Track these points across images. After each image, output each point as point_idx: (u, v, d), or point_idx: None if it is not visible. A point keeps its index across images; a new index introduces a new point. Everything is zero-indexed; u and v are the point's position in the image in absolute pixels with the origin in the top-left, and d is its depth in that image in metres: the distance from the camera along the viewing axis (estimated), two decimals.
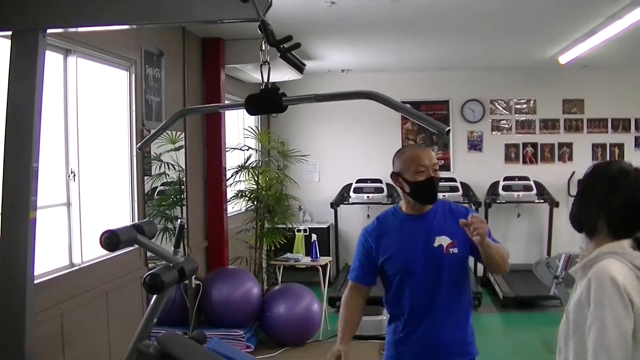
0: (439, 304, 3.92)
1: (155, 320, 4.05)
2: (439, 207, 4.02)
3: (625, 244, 2.77)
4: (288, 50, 2.89)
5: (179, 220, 5.22)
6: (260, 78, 3.06)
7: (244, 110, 3.16)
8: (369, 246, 4.12)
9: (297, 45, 2.98)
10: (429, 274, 3.90)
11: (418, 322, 3.99)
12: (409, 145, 4.12)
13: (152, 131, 3.82)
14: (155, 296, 3.95)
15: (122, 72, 6.33)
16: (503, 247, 3.88)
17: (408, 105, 2.83)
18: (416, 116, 2.92)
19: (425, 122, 2.89)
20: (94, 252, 5.57)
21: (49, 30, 3.25)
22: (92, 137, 5.83)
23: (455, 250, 3.88)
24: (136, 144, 6.32)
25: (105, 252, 4.83)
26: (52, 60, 5.19)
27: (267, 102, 3.03)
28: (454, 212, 3.97)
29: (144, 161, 6.67)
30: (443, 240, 3.90)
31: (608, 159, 12.38)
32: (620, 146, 12.52)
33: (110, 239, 3.66)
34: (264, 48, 3.02)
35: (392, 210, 4.18)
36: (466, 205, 4.04)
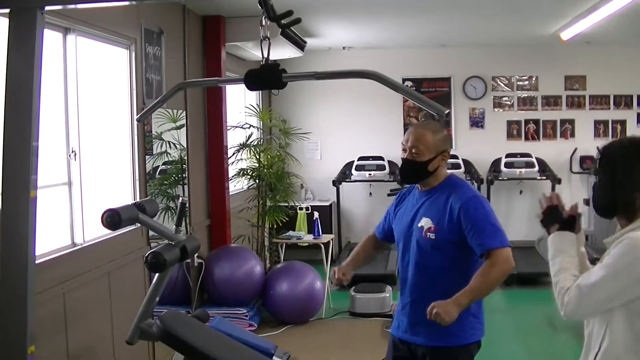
0: (411, 281, 4.02)
1: (157, 299, 4.05)
2: (445, 187, 4.01)
3: None
4: (288, 25, 2.86)
5: (180, 198, 5.21)
6: (261, 55, 3.03)
7: (245, 88, 3.14)
8: (392, 208, 4.33)
9: (298, 21, 2.96)
10: (407, 250, 4.04)
11: (401, 291, 4.15)
12: (421, 121, 4.23)
13: (151, 103, 3.80)
14: (157, 275, 3.95)
15: (122, 51, 6.29)
16: (482, 275, 3.76)
17: (407, 86, 2.81)
18: (415, 97, 2.89)
19: (425, 103, 2.87)
20: (96, 232, 5.56)
21: (47, 8, 3.21)
22: (92, 116, 5.80)
23: (433, 236, 3.88)
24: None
25: (107, 231, 4.85)
26: (51, 39, 5.16)
27: (266, 78, 3.00)
28: (450, 198, 3.92)
29: (145, 140, 6.64)
30: (425, 223, 3.93)
31: (610, 135, 12.39)
32: (623, 122, 12.49)
33: (112, 218, 3.65)
34: (264, 23, 3.00)
35: None
36: (471, 190, 3.96)
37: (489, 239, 3.78)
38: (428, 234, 3.88)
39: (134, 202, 4.12)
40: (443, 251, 3.88)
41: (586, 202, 12.11)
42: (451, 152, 11.52)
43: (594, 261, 8.69)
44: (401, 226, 4.10)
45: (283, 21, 2.90)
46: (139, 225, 4.74)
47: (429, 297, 3.78)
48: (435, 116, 12.25)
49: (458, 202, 3.86)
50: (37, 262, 3.32)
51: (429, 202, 3.98)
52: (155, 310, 4.22)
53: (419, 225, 3.93)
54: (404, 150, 3.98)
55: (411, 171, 4.01)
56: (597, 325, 2.84)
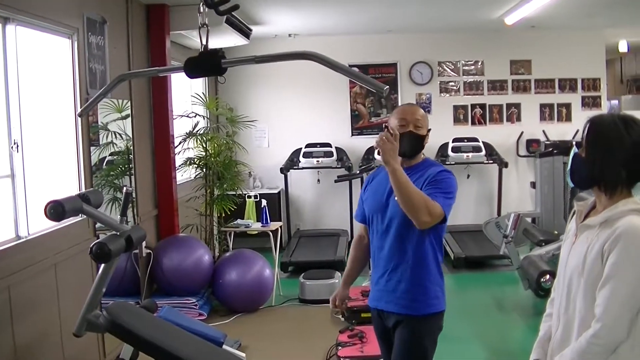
0: (387, 252, 4.15)
1: (104, 289, 4.02)
2: (422, 166, 4.19)
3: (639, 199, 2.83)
4: (227, 12, 2.85)
5: (125, 188, 5.16)
6: (202, 42, 3.02)
7: (191, 76, 3.13)
8: (364, 188, 4.49)
9: (236, 7, 2.95)
10: (383, 222, 4.16)
11: (375, 264, 4.29)
12: (403, 104, 4.37)
13: (92, 96, 3.76)
14: (103, 265, 3.92)
15: (64, 41, 6.22)
16: (427, 198, 3.86)
17: (346, 65, 2.81)
18: (355, 76, 2.91)
19: (364, 81, 2.88)
20: (42, 224, 5.50)
21: None
22: (35, 107, 5.73)
23: None
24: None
25: (53, 223, 4.81)
26: None
27: (206, 65, 3.00)
28: (426, 173, 4.09)
29: (89, 130, 6.57)
30: None
31: (556, 119, 12.55)
32: (568, 106, 12.68)
33: (55, 209, 3.62)
34: (202, 10, 2.99)
35: None
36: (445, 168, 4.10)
37: (442, 199, 3.94)
38: None
39: (78, 193, 4.08)
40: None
41: (532, 185, 12.27)
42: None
43: (540, 243, 8.73)
44: (374, 201, 4.24)
45: (221, 7, 2.89)
46: (85, 216, 4.71)
47: (403, 266, 4.07)
48: (382, 98, 12.36)
49: (431, 174, 4.06)
50: None
51: (410, 176, 4.02)
52: (104, 301, 4.20)
53: (396, 198, 3.98)
54: (403, 125, 4.12)
55: (416, 143, 4.15)
56: (586, 308, 2.83)
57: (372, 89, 2.85)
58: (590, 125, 2.92)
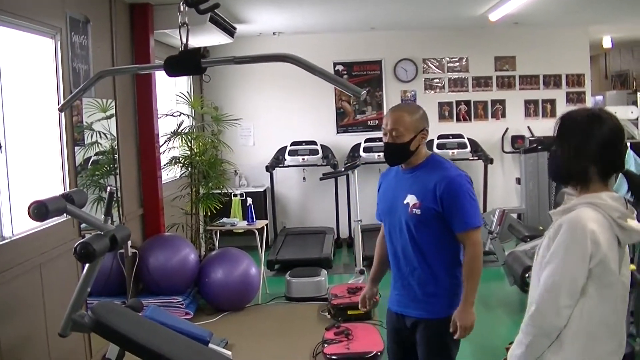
0: (401, 257, 4.18)
1: (89, 289, 4.02)
2: (428, 165, 4.17)
3: (604, 195, 2.85)
4: (207, 10, 2.85)
5: (109, 188, 5.17)
6: (183, 41, 3.02)
7: (171, 75, 3.12)
8: (378, 187, 4.50)
9: (216, 6, 2.96)
10: (393, 226, 4.20)
11: (393, 267, 4.32)
12: (398, 104, 4.40)
13: (73, 93, 3.76)
14: (87, 265, 3.92)
15: (47, 40, 6.20)
16: (469, 267, 4.04)
17: (323, 69, 2.81)
18: (332, 79, 2.91)
19: (341, 85, 2.90)
20: (27, 225, 5.48)
21: None
22: (19, 107, 5.72)
23: (418, 211, 4.02)
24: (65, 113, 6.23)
25: (37, 223, 4.80)
26: None
27: (185, 63, 3.00)
28: (435, 175, 4.07)
29: (73, 130, 6.56)
30: (411, 199, 4.07)
31: (540, 115, 12.61)
32: (552, 102, 12.74)
33: (39, 209, 3.62)
34: (182, 9, 3.00)
35: None
36: (455, 169, 4.13)
37: (469, 218, 4.00)
38: (414, 210, 4.03)
39: (61, 193, 4.07)
40: (429, 226, 4.03)
41: (518, 181, 12.31)
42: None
43: (525, 239, 8.79)
44: (385, 204, 4.29)
45: (202, 6, 2.89)
46: (70, 216, 4.70)
47: (418, 271, 4.11)
48: (352, 97, 12.36)
49: (443, 180, 4.02)
50: None
51: (412, 180, 4.12)
52: (90, 301, 4.19)
53: (405, 202, 4.06)
54: (385, 134, 4.14)
55: (394, 153, 4.17)
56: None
57: (350, 93, 2.86)
58: (560, 122, 2.97)
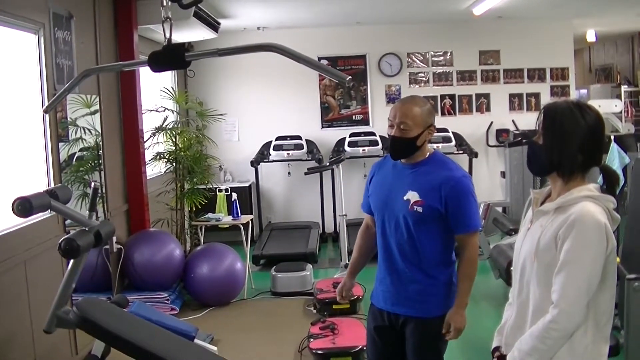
0: (394, 253, 4.08)
1: (74, 285, 4.01)
2: (432, 162, 4.06)
3: (592, 187, 2.87)
4: (190, 5, 2.85)
5: (92, 183, 5.16)
6: (166, 36, 3.02)
7: (156, 70, 3.11)
8: (369, 178, 4.36)
9: (199, 0, 2.95)
10: (390, 221, 4.05)
11: (383, 263, 4.19)
12: (407, 96, 4.19)
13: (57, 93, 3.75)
14: (72, 261, 3.91)
15: (30, 36, 6.18)
16: (464, 270, 4.04)
17: (308, 56, 2.81)
18: (317, 67, 2.91)
19: (326, 71, 2.89)
20: (11, 221, 5.46)
21: None
22: (1, 103, 5.70)
23: (420, 209, 3.92)
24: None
25: (22, 220, 4.78)
26: None
27: (169, 58, 2.99)
28: (440, 174, 3.99)
29: (57, 126, 6.53)
30: (412, 196, 3.95)
31: (525, 108, 12.65)
32: (537, 95, 12.79)
33: (23, 205, 3.61)
34: (165, 4, 2.99)
35: None
36: (460, 169, 4.07)
37: (472, 221, 3.98)
38: (415, 207, 3.92)
39: (45, 189, 4.07)
40: (428, 225, 3.94)
41: (502, 174, 12.34)
42: (368, 130, 11.50)
43: (510, 232, 8.80)
44: (379, 196, 4.13)
45: (184, 1, 2.88)
46: (54, 212, 4.68)
47: (414, 269, 4.01)
48: (352, 90, 12.36)
49: (449, 181, 3.93)
50: None
51: (414, 176, 4.01)
52: (76, 297, 4.18)
53: (405, 198, 3.96)
54: (391, 126, 4.01)
55: (400, 148, 4.04)
56: (540, 293, 2.88)
57: (335, 79, 2.86)
58: (545, 112, 2.96)
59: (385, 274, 4.15)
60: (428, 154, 4.08)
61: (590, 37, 14.28)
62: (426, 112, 4.03)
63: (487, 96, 12.80)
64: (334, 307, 7.57)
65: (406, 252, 4.01)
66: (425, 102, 4.15)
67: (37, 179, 6.24)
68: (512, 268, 7.81)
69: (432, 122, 4.05)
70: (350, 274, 4.56)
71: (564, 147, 2.87)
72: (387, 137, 4.09)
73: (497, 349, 3.16)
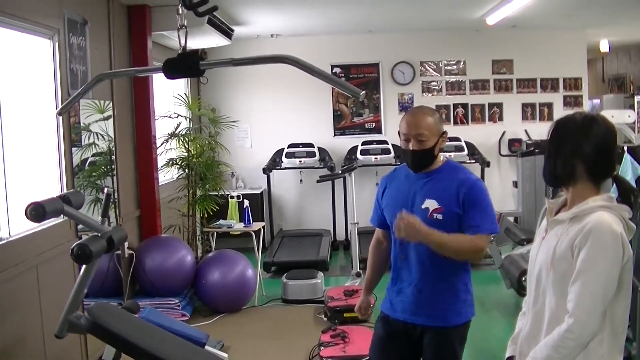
0: (413, 263, 4.04)
1: (85, 291, 4.02)
2: (446, 170, 4.07)
3: (608, 196, 2.87)
4: (206, 13, 2.85)
5: (105, 189, 5.17)
6: (181, 43, 3.02)
7: (170, 77, 3.12)
8: (380, 191, 4.33)
9: (215, 8, 2.96)
10: None
11: (397, 274, 4.16)
12: (411, 108, 4.12)
13: (71, 97, 3.75)
14: (84, 266, 3.92)
15: (45, 41, 6.20)
16: (461, 238, 3.88)
17: (322, 70, 2.81)
18: (332, 81, 2.91)
19: (340, 86, 2.89)
20: (24, 226, 5.48)
21: None
22: (16, 108, 5.71)
23: (440, 216, 3.90)
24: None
25: (34, 225, 4.79)
26: None
27: (184, 66, 2.99)
28: (455, 180, 3.98)
29: (71, 131, 6.55)
30: (430, 204, 3.94)
31: (538, 118, 12.62)
32: (550, 105, 12.74)
33: (36, 210, 3.62)
34: (180, 12, 2.99)
35: None
36: (473, 174, 4.04)
37: (485, 224, 3.91)
38: (435, 214, 3.91)
39: (59, 194, 4.07)
40: (448, 231, 3.87)
41: (515, 184, 12.32)
42: (381, 138, 11.50)
43: (522, 242, 8.77)
44: (396, 208, 4.01)
45: (200, 9, 2.89)
46: (67, 217, 4.70)
47: (433, 278, 3.98)
48: (349, 99, 12.36)
49: (465, 184, 3.94)
50: None
51: (431, 184, 4.00)
52: (87, 302, 4.19)
53: (423, 207, 3.94)
54: (406, 140, 3.99)
55: (422, 160, 4.02)
56: (556, 302, 2.87)
57: (349, 94, 2.86)
58: (555, 125, 3.01)
59: (404, 285, 4.11)
60: (442, 162, 4.09)
61: (604, 47, 14.24)
62: (437, 120, 4.05)
63: (499, 105, 12.77)
64: (345, 315, 7.57)
65: (425, 261, 3.97)
66: (434, 110, 4.16)
67: (50, 184, 6.26)
68: (524, 278, 7.81)
69: (444, 129, 4.06)
70: (366, 291, 4.56)
71: (566, 159, 2.90)
72: (403, 150, 4.06)
73: (511, 358, 3.16)
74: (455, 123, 12.71)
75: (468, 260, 4.06)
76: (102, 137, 7.40)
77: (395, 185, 4.20)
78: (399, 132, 4.10)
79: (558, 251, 2.85)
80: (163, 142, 9.14)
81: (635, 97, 14.17)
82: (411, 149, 3.97)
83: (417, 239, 3.77)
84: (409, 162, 4.06)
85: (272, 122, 12.60)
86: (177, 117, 9.41)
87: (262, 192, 12.26)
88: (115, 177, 7.65)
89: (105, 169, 7.58)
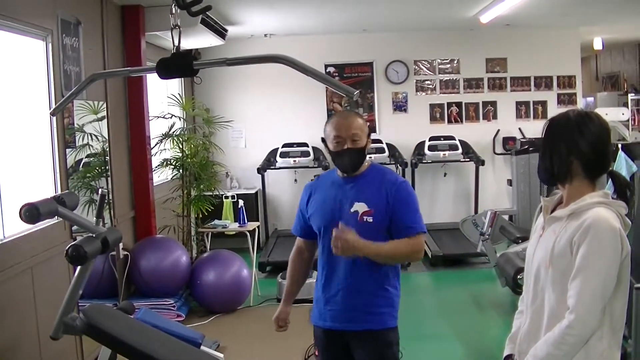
0: (345, 268, 3.98)
1: (80, 292, 4.01)
2: (371, 173, 4.05)
3: (604, 193, 2.88)
4: (199, 13, 2.85)
5: (100, 190, 5.15)
6: (175, 43, 3.02)
7: (163, 77, 3.11)
8: (304, 200, 4.28)
9: (208, 8, 2.96)
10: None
11: (327, 281, 4.09)
12: (338, 112, 4.08)
13: (65, 97, 3.75)
14: (79, 268, 3.91)
15: (38, 42, 6.19)
16: (398, 244, 3.89)
17: (316, 69, 2.81)
18: (325, 80, 2.91)
19: (334, 85, 2.89)
20: (18, 227, 5.46)
21: None
22: (9, 109, 5.71)
23: (370, 219, 3.89)
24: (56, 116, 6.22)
25: (29, 226, 4.78)
26: None
27: (177, 66, 2.99)
28: (383, 182, 3.97)
29: (64, 132, 6.54)
30: (360, 207, 3.92)
31: (532, 116, 12.63)
32: (544, 103, 12.76)
33: (30, 212, 3.61)
34: (173, 11, 2.99)
35: (334, 169, 4.17)
36: (397, 173, 4.04)
37: (417, 224, 3.92)
38: (365, 217, 3.89)
39: (53, 195, 4.06)
40: (378, 234, 3.87)
41: (509, 182, 12.33)
42: (375, 137, 11.52)
43: (517, 240, 8.77)
44: (324, 214, 4.03)
45: (193, 8, 2.89)
46: (61, 219, 4.68)
47: (364, 282, 3.93)
48: (343, 98, 12.36)
49: (393, 185, 3.94)
50: None
51: (358, 187, 3.98)
52: (82, 304, 4.18)
53: (352, 210, 3.91)
54: (339, 142, 3.96)
55: (356, 159, 4.00)
56: (555, 299, 2.86)
57: (343, 93, 2.86)
58: (549, 123, 3.02)
59: (333, 292, 4.04)
60: (367, 165, 4.08)
61: (597, 45, 14.26)
62: (364, 122, 4.08)
63: (493, 104, 12.78)
64: None
65: (358, 265, 3.92)
66: (359, 113, 4.19)
67: (44, 185, 6.25)
68: (519, 276, 7.80)
69: (369, 132, 4.10)
70: (285, 301, 4.51)
71: (562, 157, 2.90)
72: (336, 152, 4.00)
73: (509, 357, 3.15)
74: (450, 122, 12.72)
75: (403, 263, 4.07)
76: (96, 137, 7.39)
77: (321, 192, 4.16)
78: (322, 138, 4.11)
79: (557, 248, 2.85)
80: (157, 143, 9.13)
81: (629, 94, 14.22)
82: (347, 147, 3.95)
83: (354, 253, 3.77)
84: (346, 162, 4.00)
85: (266, 122, 12.58)
86: (171, 118, 9.40)
87: (256, 192, 12.25)
88: (109, 178, 7.64)
89: (100, 170, 7.57)
